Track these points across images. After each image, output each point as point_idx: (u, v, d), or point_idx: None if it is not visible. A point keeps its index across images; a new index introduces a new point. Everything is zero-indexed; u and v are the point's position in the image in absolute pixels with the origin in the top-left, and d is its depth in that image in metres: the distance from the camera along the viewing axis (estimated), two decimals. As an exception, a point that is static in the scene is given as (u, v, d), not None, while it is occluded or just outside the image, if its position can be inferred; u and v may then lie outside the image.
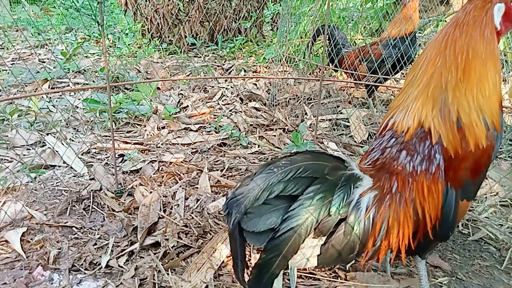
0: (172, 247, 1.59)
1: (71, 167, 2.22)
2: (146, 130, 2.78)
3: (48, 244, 1.59)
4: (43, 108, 3.09)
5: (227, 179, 2.15)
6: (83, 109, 3.12)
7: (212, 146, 2.54)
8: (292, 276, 1.44)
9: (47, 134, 2.59)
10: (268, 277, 0.89)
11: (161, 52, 5.01)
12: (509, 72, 3.08)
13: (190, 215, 1.82)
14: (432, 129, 1.08)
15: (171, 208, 1.86)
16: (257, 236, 0.87)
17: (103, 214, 1.83)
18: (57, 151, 2.32)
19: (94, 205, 1.89)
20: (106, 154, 2.42)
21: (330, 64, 3.30)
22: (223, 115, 3.06)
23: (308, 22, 3.93)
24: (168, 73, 4.25)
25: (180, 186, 2.06)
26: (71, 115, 2.95)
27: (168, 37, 5.32)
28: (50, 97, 3.30)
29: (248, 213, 0.85)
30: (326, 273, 1.48)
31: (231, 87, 3.74)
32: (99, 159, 2.37)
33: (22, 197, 1.90)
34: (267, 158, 2.41)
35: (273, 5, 6.11)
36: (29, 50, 5.13)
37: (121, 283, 1.42)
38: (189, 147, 2.55)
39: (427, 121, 1.09)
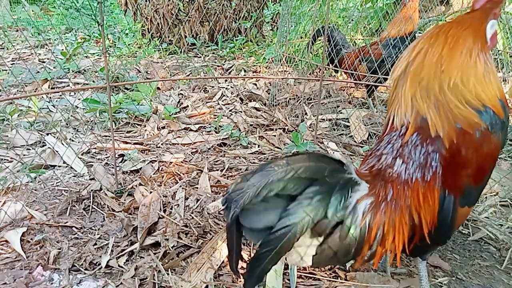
0: (172, 247, 1.59)
1: (71, 167, 2.22)
2: (146, 130, 2.78)
3: (48, 244, 1.59)
4: (43, 108, 3.09)
5: (227, 179, 2.14)
6: (83, 109, 3.12)
7: (212, 146, 2.54)
8: (292, 276, 1.44)
9: (47, 134, 2.59)
10: (260, 271, 0.90)
11: (161, 52, 5.01)
12: (509, 72, 3.08)
13: (190, 215, 1.82)
14: (430, 120, 1.07)
15: (171, 208, 1.86)
16: (254, 233, 0.89)
17: (103, 214, 1.83)
18: (57, 151, 2.32)
19: (94, 205, 1.89)
20: (106, 154, 2.42)
21: (330, 65, 3.30)
22: (223, 115, 3.06)
23: (308, 22, 3.93)
24: (168, 73, 4.25)
25: (180, 186, 2.06)
26: (71, 115, 2.95)
27: (168, 37, 5.32)
28: (50, 97, 3.30)
29: (246, 209, 0.86)
30: (326, 273, 1.48)
31: (231, 87, 3.74)
32: (99, 159, 2.37)
33: (22, 197, 1.90)
34: (267, 158, 2.41)
35: (273, 5, 6.10)
36: (29, 50, 5.13)
37: (121, 283, 1.42)
38: (189, 147, 2.55)
39: (422, 111, 1.09)
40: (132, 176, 2.17)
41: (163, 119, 2.92)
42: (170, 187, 2.06)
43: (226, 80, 3.95)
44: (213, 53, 5.20)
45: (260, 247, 0.88)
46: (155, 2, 5.11)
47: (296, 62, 3.72)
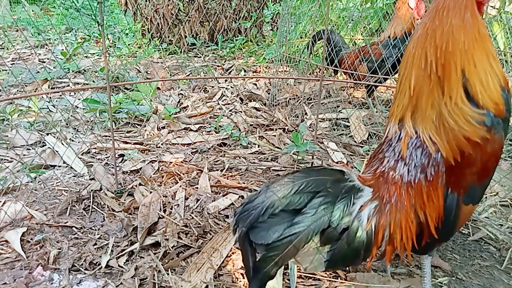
0: (172, 247, 1.59)
1: (71, 167, 2.22)
2: (146, 130, 2.78)
3: (48, 244, 1.59)
4: (43, 108, 3.09)
5: (227, 179, 2.14)
6: (83, 109, 3.12)
7: (212, 146, 2.54)
8: (292, 276, 1.44)
9: (47, 134, 2.59)
10: (263, 274, 0.92)
11: (161, 52, 5.01)
12: (509, 72, 3.08)
13: (190, 215, 1.82)
14: (427, 140, 1.07)
15: (171, 208, 1.86)
16: (265, 247, 0.92)
17: (103, 214, 1.83)
18: (57, 151, 2.32)
19: (94, 205, 1.89)
20: (106, 154, 2.42)
21: (330, 65, 3.31)
22: (223, 115, 3.06)
23: (308, 22, 3.93)
24: (168, 73, 4.25)
25: (180, 186, 2.06)
26: (71, 115, 2.95)
27: (168, 37, 5.32)
28: (50, 97, 3.30)
29: (254, 227, 0.91)
30: (326, 273, 1.48)
31: (231, 87, 3.74)
32: (99, 159, 2.37)
33: (22, 197, 1.90)
34: (267, 158, 2.41)
35: (273, 5, 6.10)
36: (29, 50, 5.13)
37: (121, 283, 1.42)
38: (189, 147, 2.55)
39: (422, 131, 1.09)
40: (132, 176, 2.17)
41: (163, 119, 2.92)
42: (170, 187, 2.06)
43: (226, 80, 3.95)
44: (213, 53, 5.20)
45: (266, 252, 0.91)
46: (155, 2, 5.11)
47: (296, 62, 3.72)
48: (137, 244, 1.61)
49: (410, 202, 1.05)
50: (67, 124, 2.85)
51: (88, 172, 2.18)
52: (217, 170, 2.25)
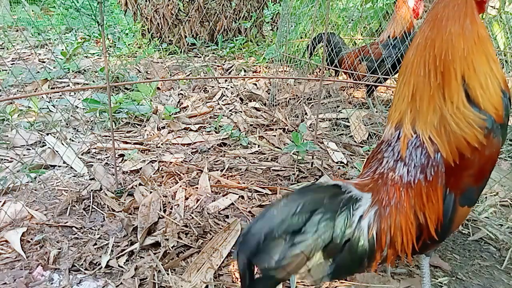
0: (172, 247, 1.59)
1: (71, 167, 2.22)
2: (146, 130, 2.78)
3: (48, 244, 1.59)
4: (43, 108, 3.09)
5: (227, 179, 2.14)
6: (83, 109, 3.12)
7: (212, 146, 2.54)
8: (292, 276, 1.44)
9: (47, 134, 2.59)
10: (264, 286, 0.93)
11: (161, 52, 5.01)
12: (509, 72, 3.08)
13: (190, 215, 1.82)
14: (426, 141, 1.07)
15: (171, 208, 1.86)
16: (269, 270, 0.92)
17: (103, 214, 1.83)
18: (57, 151, 2.32)
19: (94, 205, 1.89)
20: (106, 154, 2.42)
21: (330, 65, 3.31)
22: (223, 115, 3.06)
23: (308, 22, 3.93)
24: (168, 73, 4.25)
25: (180, 186, 2.06)
26: (71, 115, 2.95)
27: (168, 37, 5.32)
28: (50, 97, 3.30)
29: (256, 254, 0.90)
30: (326, 273, 1.48)
31: (231, 87, 3.74)
32: (99, 159, 2.37)
33: (22, 197, 1.90)
34: (267, 158, 2.41)
35: (273, 5, 6.10)
36: (29, 50, 5.13)
37: (121, 283, 1.42)
38: (189, 147, 2.55)
39: (422, 133, 1.09)
40: (132, 176, 2.17)
41: (163, 119, 2.92)
42: (170, 187, 2.06)
43: (226, 80, 3.96)
44: (213, 53, 5.20)
45: (268, 272, 0.91)
46: (155, 2, 5.11)
47: (296, 62, 3.72)
48: (137, 244, 1.61)
49: (410, 203, 1.05)
50: (67, 124, 2.85)
51: (88, 172, 2.18)
52: (217, 170, 2.25)
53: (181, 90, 3.71)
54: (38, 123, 2.79)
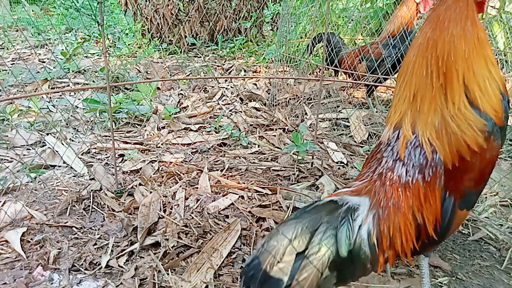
0: (172, 247, 1.59)
1: (71, 167, 2.22)
2: (146, 130, 2.78)
3: (48, 244, 1.59)
4: (43, 108, 3.09)
5: (227, 179, 2.14)
6: (83, 109, 3.12)
7: (212, 146, 2.54)
8: None
9: (47, 134, 2.59)
10: None
11: (161, 52, 5.01)
12: (509, 72, 3.08)
13: (190, 215, 1.82)
14: (425, 142, 1.07)
15: (171, 208, 1.86)
16: None
17: (103, 214, 1.83)
18: (57, 151, 2.32)
19: (94, 205, 1.89)
20: (106, 154, 2.42)
21: (330, 65, 3.31)
22: (223, 115, 3.06)
23: (308, 22, 3.93)
24: (168, 73, 4.25)
25: (180, 186, 2.06)
26: (71, 115, 2.95)
27: (168, 37, 5.32)
28: (50, 97, 3.30)
29: (264, 282, 0.89)
30: (326, 273, 1.48)
31: (231, 87, 3.74)
32: (99, 159, 2.37)
33: (22, 197, 1.90)
34: (267, 158, 2.41)
35: (273, 5, 6.11)
36: (29, 50, 5.13)
37: (121, 283, 1.42)
38: (189, 147, 2.55)
39: (421, 134, 1.09)
40: (132, 176, 2.17)
41: (163, 119, 2.92)
42: (170, 187, 2.06)
43: (226, 80, 3.96)
44: (213, 53, 5.20)
45: None
46: (155, 2, 5.11)
47: (296, 62, 3.72)
48: (137, 244, 1.61)
49: (408, 203, 1.04)
50: (67, 124, 2.85)
51: (88, 172, 2.18)
52: (217, 170, 2.25)
53: (181, 90, 3.71)
54: (38, 123, 2.79)
